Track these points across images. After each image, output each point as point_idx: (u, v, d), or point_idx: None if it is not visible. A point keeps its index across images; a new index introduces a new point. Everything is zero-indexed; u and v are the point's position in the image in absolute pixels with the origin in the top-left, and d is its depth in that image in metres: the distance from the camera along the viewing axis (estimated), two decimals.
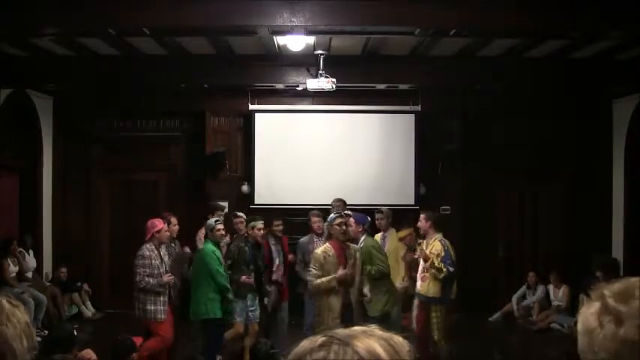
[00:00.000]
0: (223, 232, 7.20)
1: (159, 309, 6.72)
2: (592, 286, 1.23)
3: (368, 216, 7.55)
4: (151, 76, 8.96)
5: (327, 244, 6.30)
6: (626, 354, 1.04)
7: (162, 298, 6.75)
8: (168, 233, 6.99)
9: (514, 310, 10.19)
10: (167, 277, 6.79)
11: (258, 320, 7.30)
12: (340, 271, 6.12)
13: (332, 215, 6.46)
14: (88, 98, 10.45)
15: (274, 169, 10.36)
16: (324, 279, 6.11)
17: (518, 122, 10.61)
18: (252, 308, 7.20)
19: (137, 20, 6.22)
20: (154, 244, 6.80)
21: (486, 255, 10.24)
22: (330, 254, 6.19)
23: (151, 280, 6.66)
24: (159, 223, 6.88)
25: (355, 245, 6.61)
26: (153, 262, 6.71)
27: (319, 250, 6.31)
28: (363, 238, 7.14)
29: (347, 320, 6.04)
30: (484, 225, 10.49)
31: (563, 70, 8.77)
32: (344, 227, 6.27)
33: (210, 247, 7.01)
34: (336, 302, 6.14)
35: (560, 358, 7.70)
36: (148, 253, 6.72)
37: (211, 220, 7.21)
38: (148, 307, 6.69)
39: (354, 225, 7.11)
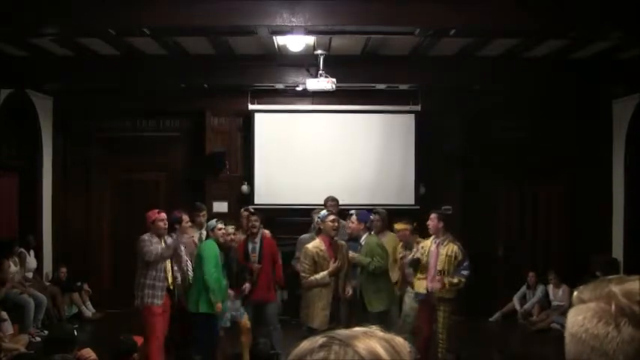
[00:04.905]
0: (224, 232, 7.03)
1: (157, 294, 6.63)
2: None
3: (370, 214, 7.56)
4: (151, 76, 8.97)
5: (318, 239, 6.60)
6: None
7: (160, 284, 6.67)
8: (162, 223, 6.82)
9: (518, 310, 10.18)
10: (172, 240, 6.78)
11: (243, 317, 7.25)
12: (332, 265, 6.43)
13: (324, 212, 6.77)
14: (88, 98, 10.44)
15: (274, 169, 10.34)
16: (317, 275, 6.41)
17: (518, 122, 10.62)
18: (235, 307, 7.13)
19: (137, 20, 6.23)
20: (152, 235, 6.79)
21: (486, 255, 10.23)
22: (322, 249, 6.47)
23: (159, 248, 6.62)
24: (152, 214, 6.83)
25: (343, 242, 6.81)
26: (154, 242, 6.68)
27: (310, 246, 6.58)
28: (365, 235, 7.15)
29: (335, 311, 6.46)
30: (484, 225, 10.48)
31: (563, 70, 8.78)
32: (336, 224, 6.59)
33: (212, 244, 6.94)
34: (326, 293, 6.43)
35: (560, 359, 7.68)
36: (147, 237, 6.71)
37: (212, 221, 7.15)
38: (146, 291, 6.60)
39: (355, 222, 7.13)
